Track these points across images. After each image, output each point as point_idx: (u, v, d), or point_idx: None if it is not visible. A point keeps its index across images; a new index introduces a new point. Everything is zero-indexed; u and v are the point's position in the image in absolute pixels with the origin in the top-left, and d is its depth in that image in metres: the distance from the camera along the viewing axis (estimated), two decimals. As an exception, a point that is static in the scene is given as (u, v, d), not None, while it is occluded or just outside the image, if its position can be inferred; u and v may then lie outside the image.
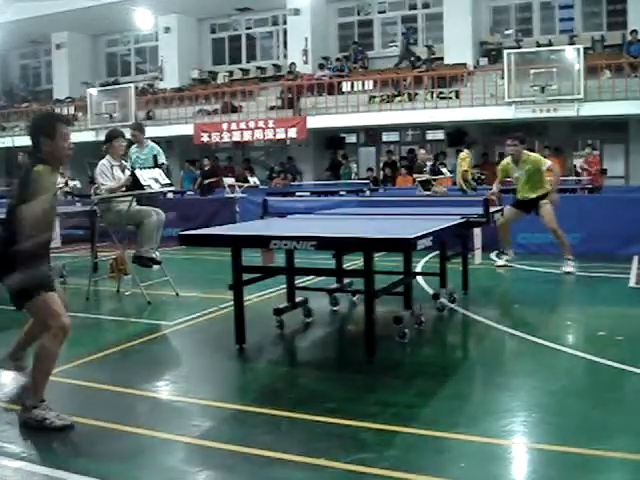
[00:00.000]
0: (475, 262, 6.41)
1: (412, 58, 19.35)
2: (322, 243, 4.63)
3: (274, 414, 3.74)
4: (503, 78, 15.93)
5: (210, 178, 16.60)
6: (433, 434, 3.41)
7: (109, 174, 7.19)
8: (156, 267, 7.49)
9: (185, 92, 21.65)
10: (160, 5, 21.48)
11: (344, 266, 6.51)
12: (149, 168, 7.88)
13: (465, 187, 12.35)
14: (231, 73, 23.16)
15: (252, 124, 18.92)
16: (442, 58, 19.10)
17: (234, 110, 19.88)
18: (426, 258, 8.69)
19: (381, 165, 19.61)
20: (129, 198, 6.96)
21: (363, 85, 18.57)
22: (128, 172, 7.12)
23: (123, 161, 7.53)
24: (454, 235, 6.19)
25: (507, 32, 19.91)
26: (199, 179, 17.17)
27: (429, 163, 14.38)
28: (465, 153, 12.59)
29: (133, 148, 8.99)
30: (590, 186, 13.36)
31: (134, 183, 6.80)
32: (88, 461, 3.21)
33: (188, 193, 15.92)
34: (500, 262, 8.60)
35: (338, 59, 20.66)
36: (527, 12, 19.79)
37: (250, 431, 3.49)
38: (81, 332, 5.97)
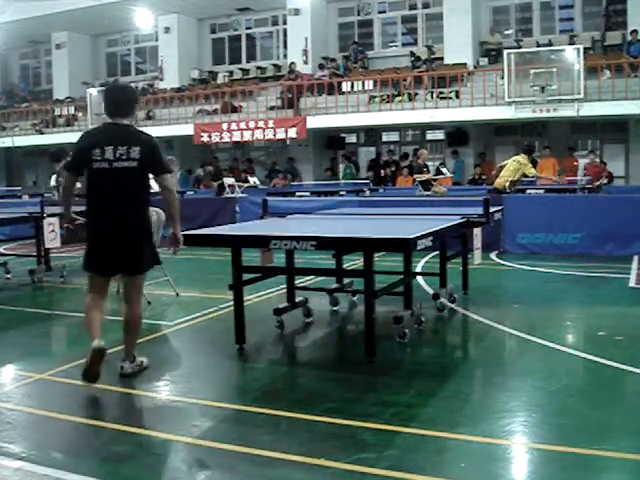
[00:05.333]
0: (475, 262, 6.41)
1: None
2: (322, 243, 4.63)
3: (274, 414, 3.74)
4: (503, 78, 15.90)
5: (218, 179, 16.70)
6: (433, 434, 3.41)
7: None
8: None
9: (185, 92, 21.61)
10: (160, 5, 21.46)
11: (344, 266, 6.51)
12: None
13: (509, 188, 11.54)
14: (231, 73, 23.13)
15: (252, 124, 18.88)
16: (442, 58, 19.08)
17: (234, 110, 19.85)
18: (426, 258, 8.70)
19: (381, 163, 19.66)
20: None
21: (363, 85, 18.51)
22: None
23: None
24: (454, 235, 6.19)
25: (507, 32, 19.89)
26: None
27: (431, 164, 14.22)
28: (524, 158, 11.31)
29: None
30: (590, 186, 13.30)
31: None
32: (88, 461, 3.22)
33: (188, 193, 15.91)
34: None
35: (333, 59, 20.63)
36: (527, 12, 19.78)
37: (250, 431, 3.49)
38: (81, 332, 5.98)
